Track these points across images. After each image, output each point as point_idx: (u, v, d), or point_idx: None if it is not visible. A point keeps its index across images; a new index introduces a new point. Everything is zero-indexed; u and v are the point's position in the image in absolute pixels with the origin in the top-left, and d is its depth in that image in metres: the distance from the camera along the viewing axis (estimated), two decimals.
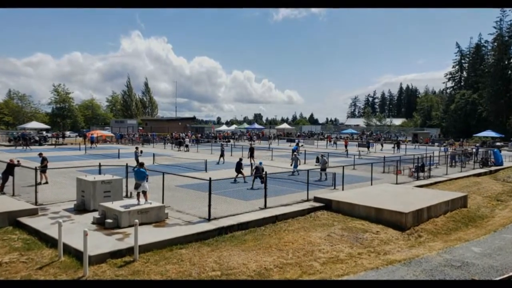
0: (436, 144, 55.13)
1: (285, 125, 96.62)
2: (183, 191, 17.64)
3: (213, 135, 67.53)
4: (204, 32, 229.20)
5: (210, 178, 12.89)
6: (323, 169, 22.36)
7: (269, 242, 11.49)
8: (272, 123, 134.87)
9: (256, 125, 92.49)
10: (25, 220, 12.35)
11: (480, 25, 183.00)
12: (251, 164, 25.33)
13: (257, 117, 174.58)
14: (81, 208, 13.80)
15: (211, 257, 10.01)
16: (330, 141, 57.95)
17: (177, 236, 11.07)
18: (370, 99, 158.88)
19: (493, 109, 70.14)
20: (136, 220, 10.15)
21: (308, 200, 16.05)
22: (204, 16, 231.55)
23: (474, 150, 34.77)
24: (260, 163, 21.07)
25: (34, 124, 63.73)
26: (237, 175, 20.08)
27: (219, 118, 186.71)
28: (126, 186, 15.85)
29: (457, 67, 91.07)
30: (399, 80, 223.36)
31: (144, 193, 12.90)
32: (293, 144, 41.72)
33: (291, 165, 24.51)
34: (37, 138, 48.60)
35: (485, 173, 27.77)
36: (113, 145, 48.35)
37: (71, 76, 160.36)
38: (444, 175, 24.86)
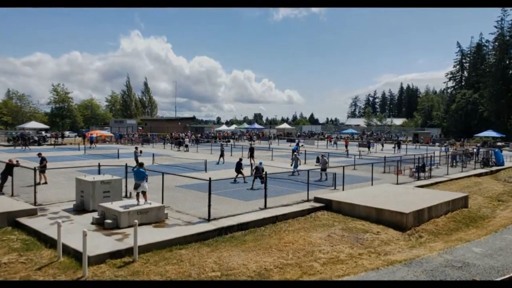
0: (437, 144, 55.10)
1: (285, 125, 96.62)
2: (182, 191, 17.59)
3: (213, 135, 67.47)
4: (204, 31, 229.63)
5: (210, 178, 12.85)
6: (324, 169, 22.32)
7: (269, 242, 11.45)
8: (272, 123, 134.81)
9: (256, 125, 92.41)
10: (24, 220, 12.31)
11: (481, 25, 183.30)
12: (251, 164, 25.28)
13: (257, 117, 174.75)
14: (80, 209, 13.76)
15: (211, 258, 9.97)
16: (330, 141, 57.92)
17: (177, 237, 11.02)
18: (371, 99, 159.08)
19: (494, 109, 70.02)
20: (136, 221, 10.12)
21: (308, 200, 16.00)
22: (204, 16, 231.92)
23: (475, 150, 34.71)
24: (260, 163, 21.03)
25: (33, 124, 63.72)
26: (237, 175, 20.03)
27: (219, 118, 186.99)
28: (126, 186, 15.81)
29: (458, 66, 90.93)
30: (399, 79, 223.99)
31: (144, 193, 12.85)
32: (293, 144, 41.71)
33: (291, 165, 24.47)
34: (36, 138, 48.51)
35: (486, 173, 27.72)
36: (112, 145, 48.30)
37: (70, 76, 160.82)
38: (445, 175, 24.81)
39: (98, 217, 12.18)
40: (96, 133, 51.66)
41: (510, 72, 71.36)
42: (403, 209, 13.86)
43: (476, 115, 73.53)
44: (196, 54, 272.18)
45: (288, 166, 25.61)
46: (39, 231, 11.30)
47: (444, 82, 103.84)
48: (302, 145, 43.55)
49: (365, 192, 17.43)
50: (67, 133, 63.57)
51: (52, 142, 49.16)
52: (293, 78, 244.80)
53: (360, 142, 52.62)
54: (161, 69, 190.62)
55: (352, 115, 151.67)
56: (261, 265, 9.76)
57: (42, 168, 18.61)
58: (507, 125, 67.27)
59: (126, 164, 17.46)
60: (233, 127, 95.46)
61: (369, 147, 44.32)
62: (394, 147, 44.76)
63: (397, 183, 20.81)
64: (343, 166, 19.43)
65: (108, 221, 11.68)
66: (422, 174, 23.59)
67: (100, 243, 10.15)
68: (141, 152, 28.92)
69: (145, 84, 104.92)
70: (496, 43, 73.73)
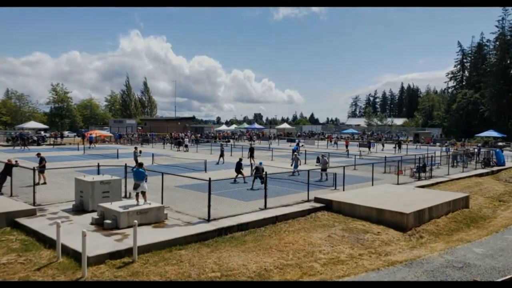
0: (438, 144, 55.09)
1: (285, 125, 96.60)
2: (182, 192, 17.55)
3: (212, 135, 67.44)
4: (203, 31, 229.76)
5: (209, 179, 12.81)
6: (324, 169, 22.27)
7: (269, 243, 11.40)
8: (272, 123, 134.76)
9: (256, 125, 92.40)
10: (23, 220, 12.26)
11: (482, 24, 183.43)
12: (251, 164, 25.23)
13: (257, 117, 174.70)
14: (79, 209, 13.72)
15: (211, 258, 9.93)
16: (330, 141, 57.86)
17: (177, 237, 10.97)
18: (371, 98, 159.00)
19: (495, 108, 69.94)
20: (135, 221, 10.08)
21: (308, 200, 15.95)
22: (204, 15, 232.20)
23: (476, 150, 34.63)
24: (260, 163, 20.98)
25: (32, 124, 63.64)
26: (237, 175, 19.98)
27: (218, 118, 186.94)
28: (125, 186, 15.77)
29: (458, 66, 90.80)
30: (400, 79, 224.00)
31: (143, 193, 12.82)
32: (294, 144, 41.70)
33: (292, 165, 24.43)
34: (35, 138, 48.44)
35: (487, 174, 27.66)
36: (111, 145, 48.25)
37: (70, 76, 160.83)
38: (445, 175, 24.77)
39: (97, 217, 12.14)
40: (95, 133, 51.64)
41: (511, 71, 71.28)
42: (404, 209, 13.82)
43: (477, 115, 73.46)
44: (195, 53, 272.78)
45: (288, 166, 25.57)
46: (38, 231, 11.25)
47: (445, 82, 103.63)
48: (302, 145, 43.49)
49: (366, 192, 17.38)
50: (66, 133, 63.43)
51: (51, 142, 49.14)
52: (293, 78, 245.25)
53: (361, 142, 52.61)
54: (160, 69, 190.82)
55: (353, 115, 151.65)
56: (261, 265, 9.72)
57: (41, 168, 18.56)
58: (508, 125, 67.23)
59: (126, 164, 17.43)
60: (233, 127, 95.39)
61: (369, 147, 44.28)
62: (395, 147, 44.74)
63: (398, 183, 20.76)
64: (344, 166, 19.39)
65: (108, 221, 11.64)
66: (422, 174, 23.54)
67: (100, 244, 10.11)
68: (140, 152, 28.87)
69: (145, 83, 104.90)
70: (497, 43, 73.63)
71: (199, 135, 62.42)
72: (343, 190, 18.21)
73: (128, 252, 9.77)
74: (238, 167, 20.51)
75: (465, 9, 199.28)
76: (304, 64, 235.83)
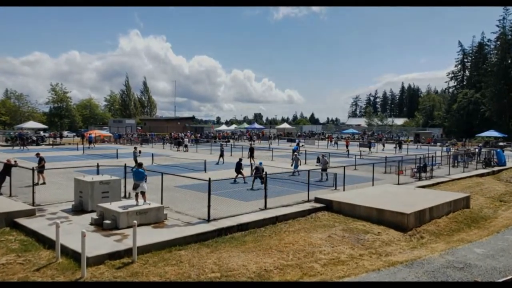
0: (438, 144, 55.04)
1: (285, 125, 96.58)
2: (182, 192, 17.51)
3: (212, 135, 67.42)
4: (203, 30, 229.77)
5: (209, 179, 12.77)
6: (324, 169, 22.23)
7: (269, 243, 11.36)
8: (272, 122, 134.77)
9: (256, 125, 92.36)
10: (23, 221, 12.22)
11: (483, 24, 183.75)
12: (251, 164, 25.19)
13: (257, 117, 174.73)
14: (79, 209, 13.68)
15: (211, 259, 9.89)
16: (331, 141, 57.82)
17: (176, 237, 10.94)
18: (372, 98, 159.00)
19: (496, 108, 69.83)
20: (135, 221, 10.05)
21: (308, 200, 15.91)
22: (204, 15, 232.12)
23: (476, 150, 34.60)
24: (260, 163, 20.94)
25: (32, 124, 63.54)
26: (236, 176, 19.94)
27: (218, 118, 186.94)
28: (125, 186, 15.71)
29: (459, 66, 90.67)
30: (401, 79, 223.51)
31: (143, 193, 12.78)
32: (294, 144, 41.67)
33: (292, 165, 24.39)
34: (34, 138, 48.40)
35: (488, 174, 27.63)
36: (111, 145, 48.24)
37: (69, 75, 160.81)
38: (446, 175, 24.74)
39: (97, 217, 12.09)
40: (95, 133, 51.63)
41: None
42: (404, 209, 13.77)
43: (478, 115, 73.36)
44: (195, 53, 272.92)
45: (289, 166, 25.53)
46: (37, 231, 11.22)
47: (446, 82, 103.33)
48: (302, 145, 43.45)
49: (366, 192, 17.34)
50: (65, 133, 63.31)
51: (51, 142, 49.08)
52: (294, 78, 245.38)
53: (361, 142, 52.57)
54: (160, 69, 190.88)
55: (353, 115, 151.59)
56: (261, 266, 9.68)
57: (41, 168, 18.52)
58: (509, 125, 67.18)
59: (125, 164, 17.40)
60: (233, 127, 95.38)
61: (370, 147, 44.24)
62: (395, 147, 44.72)
63: (398, 184, 20.73)
64: (344, 166, 19.36)
65: (107, 221, 11.60)
66: (423, 175, 23.50)
67: (99, 244, 10.08)
68: (140, 152, 28.83)
69: (144, 83, 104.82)
70: (498, 42, 73.54)
71: (199, 135, 62.41)
72: (344, 190, 18.17)
73: (128, 252, 9.73)
74: (238, 167, 20.48)
75: (466, 8, 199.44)
76: (304, 64, 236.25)
